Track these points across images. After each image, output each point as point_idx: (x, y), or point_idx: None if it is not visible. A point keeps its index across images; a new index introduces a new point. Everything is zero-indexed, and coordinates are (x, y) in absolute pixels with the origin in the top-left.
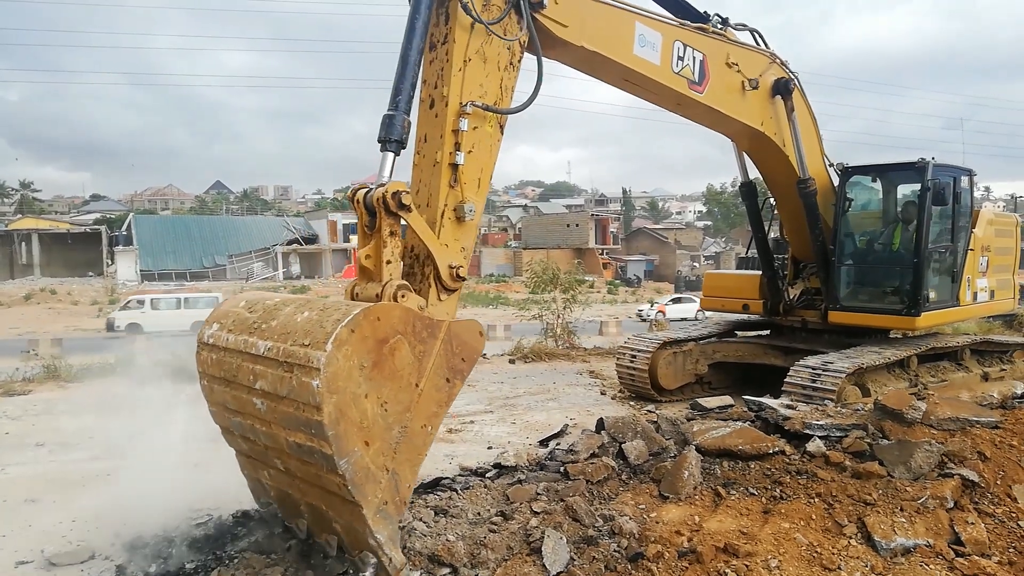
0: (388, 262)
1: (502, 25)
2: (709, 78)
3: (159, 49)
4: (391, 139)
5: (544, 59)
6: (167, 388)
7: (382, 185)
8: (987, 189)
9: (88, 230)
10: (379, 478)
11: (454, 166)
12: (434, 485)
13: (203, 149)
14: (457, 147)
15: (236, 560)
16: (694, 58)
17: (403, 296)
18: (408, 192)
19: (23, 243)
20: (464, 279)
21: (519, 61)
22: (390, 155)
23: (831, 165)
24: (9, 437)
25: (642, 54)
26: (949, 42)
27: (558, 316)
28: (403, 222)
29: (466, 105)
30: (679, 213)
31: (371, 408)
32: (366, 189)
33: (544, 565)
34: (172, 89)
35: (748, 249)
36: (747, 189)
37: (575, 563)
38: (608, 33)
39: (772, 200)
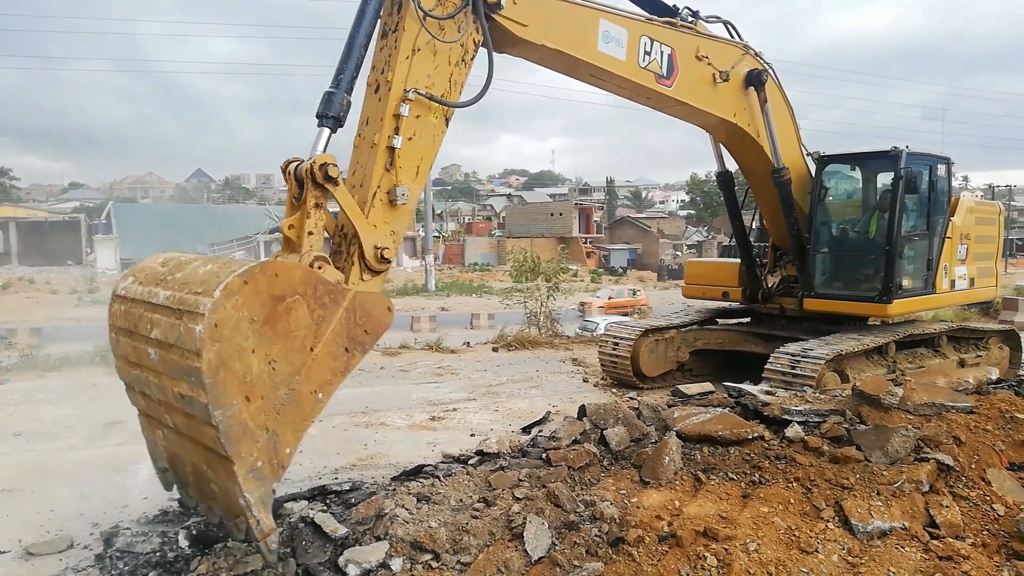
0: (310, 233)
1: (456, 21)
2: (678, 72)
3: (145, 35)
4: (328, 115)
5: (506, 55)
6: None
7: (312, 158)
8: (965, 179)
9: (67, 219)
10: (256, 436)
11: (391, 149)
12: (416, 472)
13: (185, 137)
14: (396, 131)
15: (219, 548)
16: (662, 52)
17: (319, 268)
18: (335, 165)
19: (0, 232)
20: (389, 261)
21: (472, 59)
22: (326, 131)
23: (809, 154)
24: None
25: (607, 50)
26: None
27: (541, 304)
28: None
29: (409, 92)
30: (662, 202)
31: (257, 364)
32: (298, 162)
33: (526, 550)
34: (156, 77)
35: (731, 238)
36: (724, 179)
37: (556, 548)
38: (570, 31)
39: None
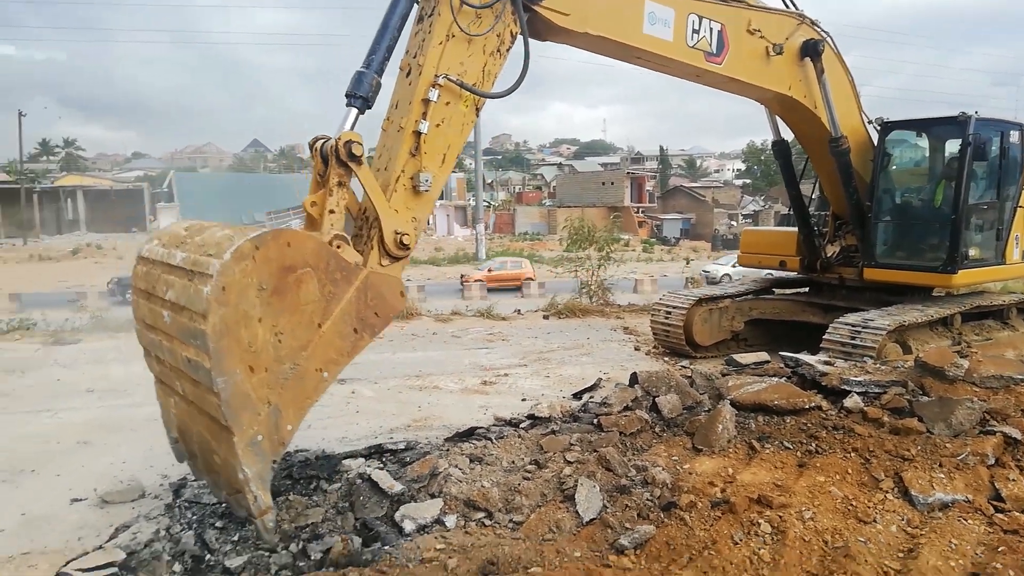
0: (332, 211)
1: (494, 10)
2: (728, 48)
3: (199, 7)
4: (357, 94)
5: (548, 43)
6: None
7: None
8: None
9: (131, 187)
10: (258, 409)
11: (417, 134)
12: (469, 434)
13: (240, 108)
14: (424, 116)
15: (281, 501)
16: (711, 29)
17: (338, 246)
18: (360, 144)
19: (68, 200)
20: (409, 248)
21: (508, 49)
22: (354, 111)
23: (870, 122)
24: (61, 384)
25: (653, 32)
26: None
27: (593, 273)
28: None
29: (440, 77)
30: (717, 171)
31: (263, 334)
32: (325, 139)
33: (577, 512)
34: (210, 48)
35: (789, 207)
36: (780, 148)
37: (608, 510)
38: (614, 17)
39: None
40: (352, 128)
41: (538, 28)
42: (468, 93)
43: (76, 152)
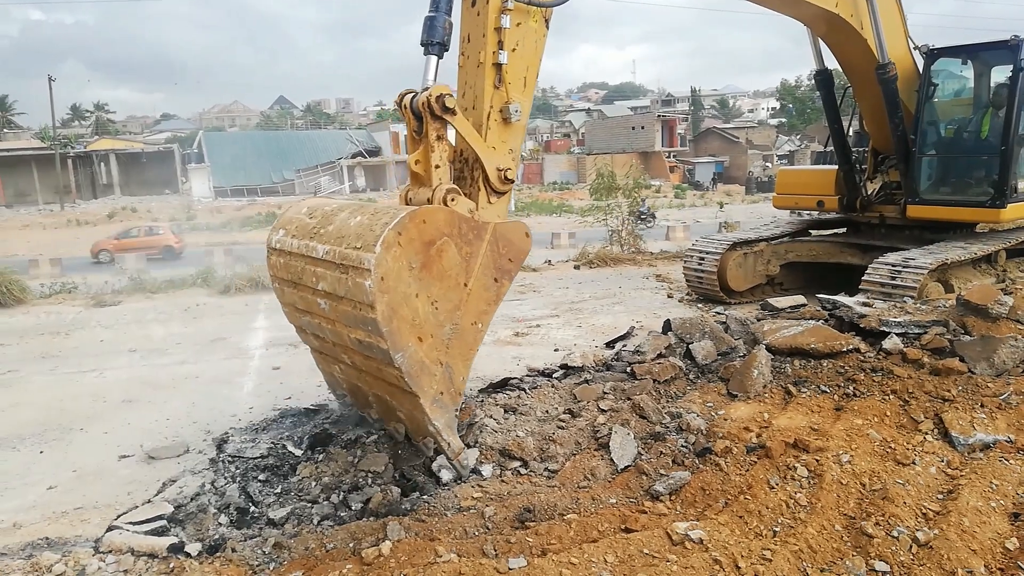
0: (437, 166)
1: None
2: None
3: None
4: (433, 41)
5: None
6: (246, 297)
7: (427, 89)
8: None
9: (161, 149)
10: (433, 371)
11: (498, 66)
12: (503, 385)
13: (265, 64)
14: (500, 46)
15: (321, 456)
16: None
17: (452, 200)
18: (452, 96)
19: (102, 164)
20: (512, 181)
21: None
22: (433, 58)
23: (915, 48)
24: (104, 344)
25: None
26: None
27: (623, 221)
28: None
29: (508, 1)
30: (751, 111)
31: (422, 306)
32: (412, 94)
33: (612, 459)
34: (233, 3)
35: (827, 144)
36: (822, 77)
37: (642, 458)
38: None
39: (851, 90)
40: (435, 78)
41: None
42: (535, 8)
43: (106, 115)
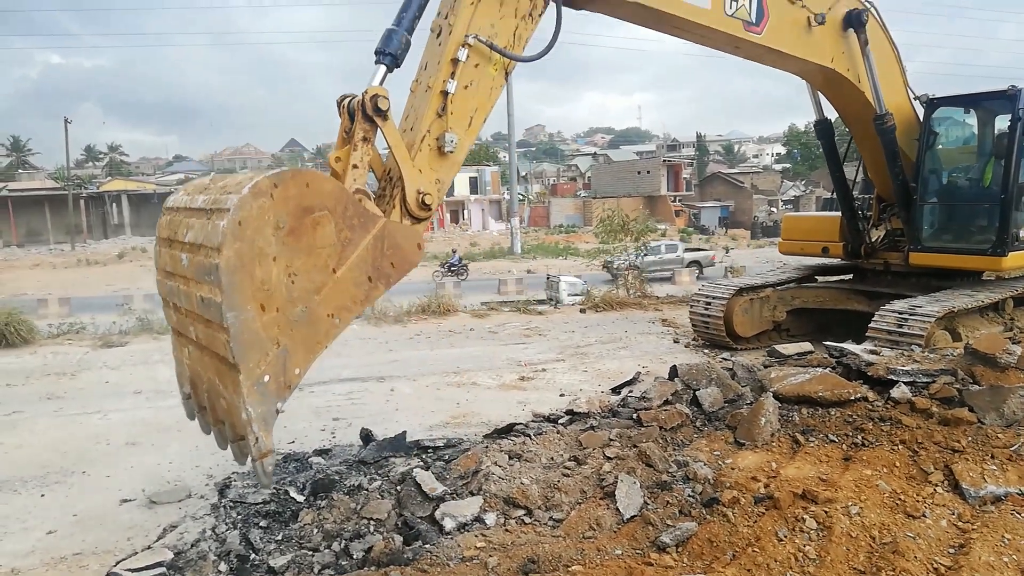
0: (355, 166)
1: None
2: (768, 17)
3: (233, 8)
4: (386, 51)
5: (582, 11)
6: None
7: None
8: None
9: (173, 190)
10: (266, 348)
11: (444, 93)
12: (508, 430)
13: (277, 108)
14: (452, 76)
15: (323, 503)
16: None
17: (360, 200)
18: (385, 98)
19: (114, 204)
20: (430, 208)
21: (540, 14)
22: (382, 67)
23: (916, 98)
24: (109, 385)
25: (691, 0)
26: None
27: (629, 265)
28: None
29: (470, 37)
30: (756, 156)
31: (276, 273)
32: (352, 97)
33: (618, 509)
34: (246, 49)
35: (832, 191)
36: (822, 127)
37: (649, 507)
38: None
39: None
40: (380, 84)
41: None
42: (498, 56)
43: (120, 157)
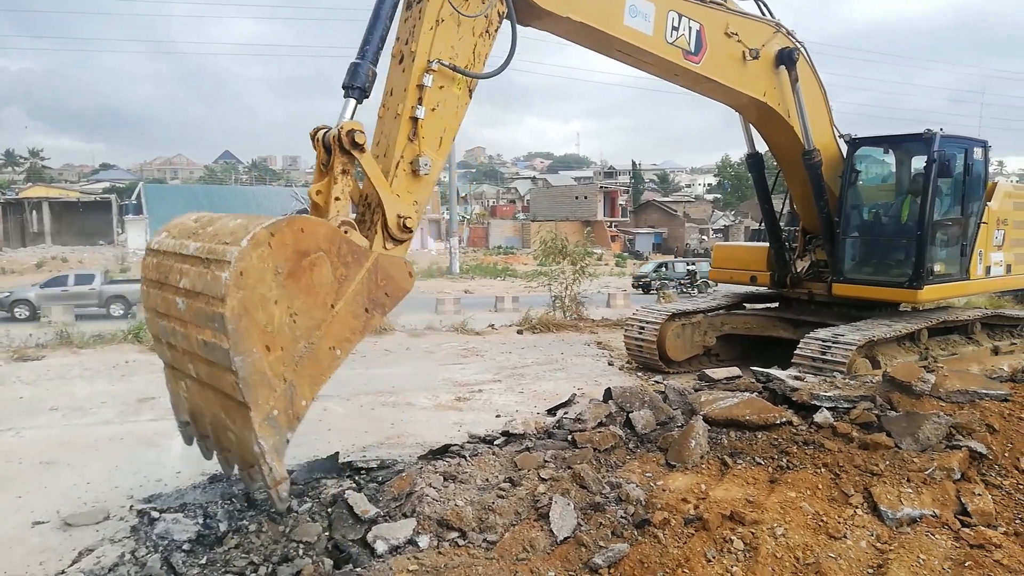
0: (337, 199)
1: None
2: (706, 48)
3: (171, 16)
4: (354, 85)
5: (532, 29)
6: None
7: (340, 126)
8: (1001, 164)
9: (98, 199)
10: (274, 385)
11: (414, 119)
12: (443, 451)
13: (212, 119)
14: (420, 101)
15: (251, 525)
16: (690, 28)
17: (346, 231)
18: (361, 132)
19: (33, 211)
20: (411, 231)
21: (496, 30)
22: (352, 101)
23: (840, 136)
24: (24, 401)
25: (633, 24)
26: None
27: (566, 288)
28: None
29: (433, 62)
30: (689, 186)
31: (279, 315)
32: (326, 129)
33: (552, 530)
34: (182, 59)
35: (760, 222)
36: (754, 160)
37: (582, 528)
38: (596, 4)
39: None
40: (351, 118)
41: (522, 12)
42: (461, 76)
43: (41, 162)
